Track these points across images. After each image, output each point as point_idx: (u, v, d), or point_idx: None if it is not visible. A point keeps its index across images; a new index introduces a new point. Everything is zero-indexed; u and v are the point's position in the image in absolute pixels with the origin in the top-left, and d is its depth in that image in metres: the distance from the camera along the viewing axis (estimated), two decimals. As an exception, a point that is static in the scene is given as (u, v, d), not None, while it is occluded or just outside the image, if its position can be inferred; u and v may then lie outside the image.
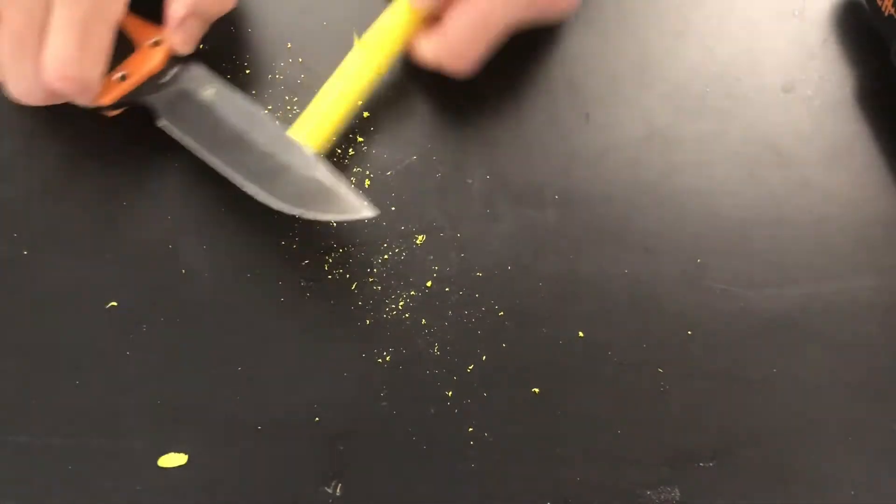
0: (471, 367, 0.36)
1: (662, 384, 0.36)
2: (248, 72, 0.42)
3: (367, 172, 0.40)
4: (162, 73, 0.37)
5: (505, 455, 0.35)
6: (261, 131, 0.37)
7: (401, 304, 0.37)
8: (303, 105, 0.38)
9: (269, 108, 0.41)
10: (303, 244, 0.38)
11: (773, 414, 0.35)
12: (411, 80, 0.41)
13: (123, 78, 0.37)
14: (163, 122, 0.37)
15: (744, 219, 0.39)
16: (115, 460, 0.35)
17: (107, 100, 0.37)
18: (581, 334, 0.37)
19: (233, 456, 0.35)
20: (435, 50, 0.37)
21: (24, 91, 0.36)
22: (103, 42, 0.35)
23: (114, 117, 0.39)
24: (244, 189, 0.36)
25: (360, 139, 0.40)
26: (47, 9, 0.34)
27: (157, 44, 0.37)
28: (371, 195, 0.39)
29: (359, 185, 0.39)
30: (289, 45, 0.42)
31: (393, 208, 0.39)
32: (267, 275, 0.37)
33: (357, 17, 0.41)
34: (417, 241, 0.38)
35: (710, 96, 0.41)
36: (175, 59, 0.38)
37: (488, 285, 0.37)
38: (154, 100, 0.37)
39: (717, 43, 0.42)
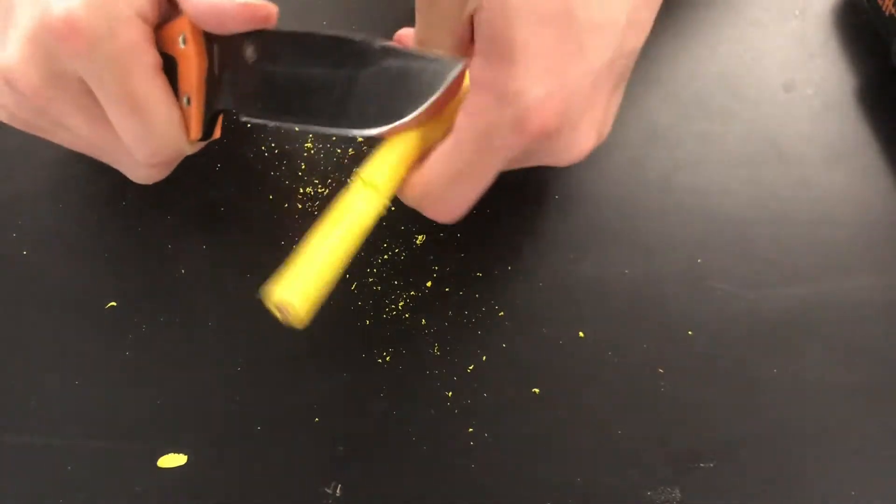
0: (471, 367, 0.36)
1: (662, 384, 0.36)
2: (248, 72, 0.42)
3: (367, 172, 0.40)
4: (210, 66, 0.32)
5: (505, 455, 0.35)
6: (311, 57, 0.30)
7: (401, 304, 0.37)
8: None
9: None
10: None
11: (773, 414, 0.35)
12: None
13: (189, 101, 0.32)
14: (247, 119, 0.32)
15: (744, 219, 0.39)
16: (115, 460, 0.35)
17: (193, 134, 0.32)
18: (581, 334, 0.37)
19: (233, 456, 0.35)
20: (411, 192, 0.31)
21: (144, 176, 0.34)
22: (159, 96, 0.31)
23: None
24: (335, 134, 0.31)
25: (361, 139, 0.40)
26: (92, 96, 0.30)
27: (185, 41, 0.31)
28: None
29: (359, 185, 0.39)
30: (289, 45, 0.42)
31: (393, 208, 0.39)
32: (267, 275, 0.37)
33: (357, 17, 0.41)
34: (417, 241, 0.38)
35: (710, 96, 0.41)
36: (210, 41, 0.32)
37: (488, 285, 0.37)
38: (225, 102, 0.32)
39: (718, 43, 0.42)
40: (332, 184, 0.40)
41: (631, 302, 0.37)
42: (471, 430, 0.35)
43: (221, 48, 0.31)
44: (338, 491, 0.34)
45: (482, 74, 0.29)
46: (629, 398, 0.35)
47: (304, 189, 0.39)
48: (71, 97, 0.30)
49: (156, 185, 0.38)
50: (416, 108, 0.29)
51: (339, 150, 0.40)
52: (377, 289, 0.37)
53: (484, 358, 0.36)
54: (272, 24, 0.31)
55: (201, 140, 0.33)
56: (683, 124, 0.41)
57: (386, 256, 0.38)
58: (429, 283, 0.38)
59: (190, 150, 0.33)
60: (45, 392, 0.36)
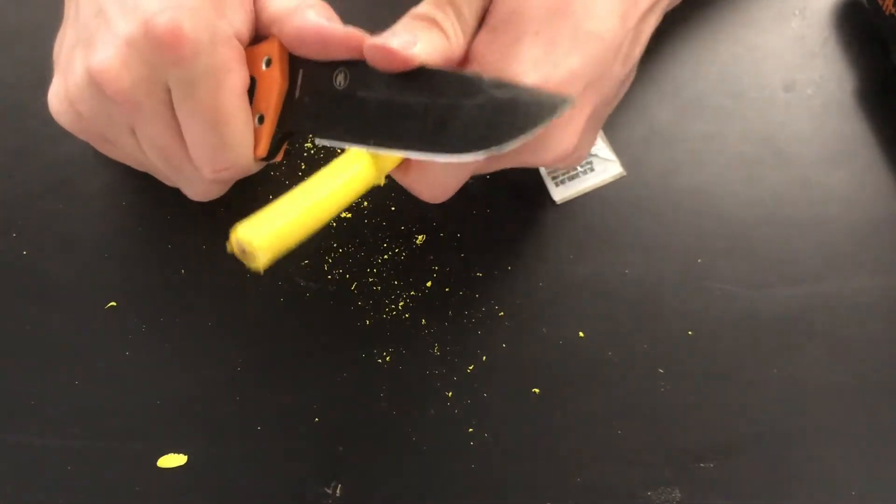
0: (471, 367, 0.36)
1: (662, 384, 0.36)
2: (247, 72, 0.42)
3: (367, 172, 0.40)
4: (291, 89, 0.32)
5: (505, 455, 0.35)
6: (407, 86, 0.30)
7: (401, 304, 0.37)
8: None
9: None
10: (303, 244, 0.38)
11: (773, 414, 0.35)
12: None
13: (261, 120, 0.32)
14: (321, 141, 0.32)
15: (744, 219, 0.39)
16: (115, 460, 0.35)
17: (260, 152, 0.33)
18: (581, 334, 0.37)
19: (233, 456, 0.35)
20: (405, 175, 0.33)
21: (201, 192, 0.34)
22: (241, 114, 0.31)
23: None
24: (421, 158, 0.30)
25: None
26: (171, 107, 0.31)
27: (269, 63, 0.32)
28: (371, 195, 0.39)
29: (359, 185, 0.39)
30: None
31: (393, 208, 0.39)
32: (267, 275, 0.37)
33: (356, 17, 0.41)
34: (417, 241, 0.38)
35: (710, 96, 0.41)
36: (295, 65, 0.32)
37: (488, 285, 0.37)
38: (301, 125, 0.32)
39: (717, 42, 0.42)
40: (332, 184, 0.40)
41: (631, 302, 0.37)
42: (471, 430, 0.35)
43: (308, 73, 0.32)
44: (338, 491, 0.34)
45: (486, 50, 0.30)
46: (629, 398, 0.35)
47: (304, 189, 0.39)
48: (155, 105, 0.31)
49: (156, 185, 0.38)
50: (520, 136, 0.29)
51: (339, 151, 0.40)
52: (377, 289, 0.37)
53: (484, 358, 0.36)
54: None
55: (265, 160, 0.33)
56: (683, 124, 0.41)
57: (386, 256, 0.38)
58: (429, 283, 0.38)
59: (255, 168, 0.33)
60: (45, 392, 0.36)
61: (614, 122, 0.41)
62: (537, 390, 0.36)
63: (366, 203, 0.39)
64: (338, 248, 0.38)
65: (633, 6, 0.31)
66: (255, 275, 0.37)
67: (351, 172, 0.31)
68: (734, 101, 0.41)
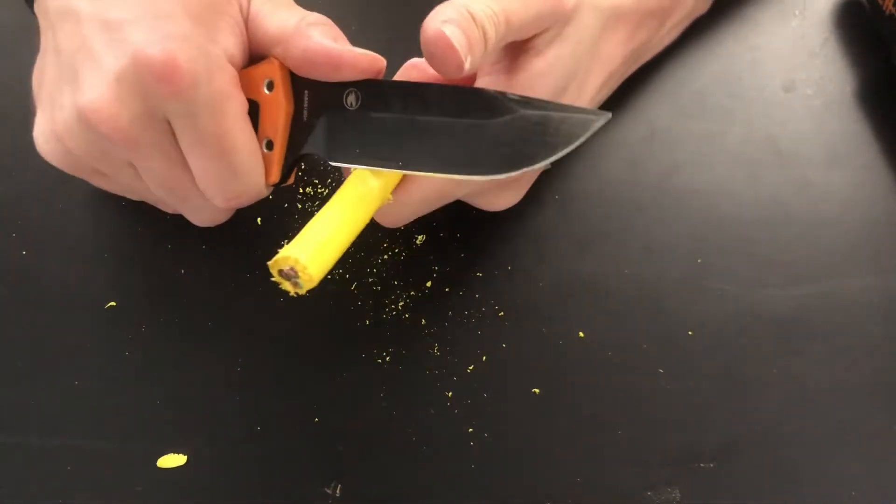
0: (471, 367, 0.36)
1: (662, 384, 0.36)
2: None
3: (367, 172, 0.40)
4: (298, 111, 0.32)
5: (505, 455, 0.35)
6: (426, 106, 0.30)
7: (401, 304, 0.37)
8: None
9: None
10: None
11: (773, 414, 0.35)
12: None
13: (270, 146, 0.32)
14: (334, 163, 0.32)
15: (744, 219, 0.39)
16: (115, 460, 0.35)
17: (272, 178, 0.32)
18: (581, 334, 0.37)
19: (233, 456, 0.35)
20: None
21: (208, 219, 0.34)
22: (245, 141, 0.30)
23: None
24: (454, 178, 0.31)
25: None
26: (173, 137, 0.30)
27: (271, 85, 0.31)
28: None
29: (359, 185, 0.39)
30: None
31: (393, 208, 0.39)
32: (267, 275, 0.37)
33: (356, 17, 0.41)
34: (417, 241, 0.38)
35: (710, 96, 0.41)
36: (299, 86, 0.32)
37: (488, 285, 0.37)
38: (313, 148, 0.32)
39: (718, 43, 0.42)
40: (332, 184, 0.40)
41: (631, 302, 0.37)
42: (471, 430, 0.35)
43: (314, 94, 0.31)
44: (338, 491, 0.34)
45: (495, 86, 0.32)
46: (629, 398, 0.35)
47: (304, 189, 0.39)
48: (155, 139, 0.30)
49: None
50: (553, 154, 0.30)
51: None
52: (377, 289, 0.37)
53: (484, 358, 0.36)
54: (381, 75, 0.31)
55: (278, 184, 0.33)
56: (683, 124, 0.41)
57: (386, 256, 0.38)
58: (429, 283, 0.38)
59: (266, 193, 0.33)
60: (45, 392, 0.36)
61: (615, 122, 0.41)
62: (537, 390, 0.36)
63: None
64: (338, 248, 0.38)
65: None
66: (255, 275, 0.37)
67: (364, 186, 0.31)
68: (734, 101, 0.41)
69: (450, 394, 0.36)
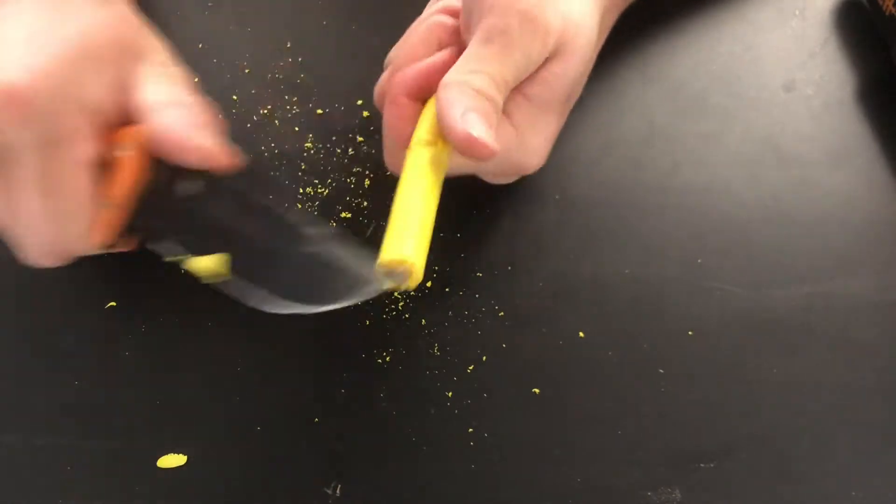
0: (471, 367, 0.36)
1: (662, 384, 0.36)
2: (247, 71, 0.42)
3: (367, 172, 0.40)
4: (155, 184, 0.31)
5: (505, 455, 0.35)
6: (255, 219, 0.32)
7: (401, 304, 0.37)
8: (302, 104, 0.38)
9: (269, 107, 0.41)
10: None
11: (773, 414, 0.35)
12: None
13: (111, 206, 0.31)
14: (151, 247, 0.32)
15: (744, 219, 0.39)
16: (115, 460, 0.35)
17: (101, 238, 0.31)
18: (581, 334, 0.37)
19: (233, 456, 0.35)
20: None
21: (33, 260, 0.32)
22: (76, 189, 0.30)
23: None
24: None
25: (360, 139, 0.40)
26: (11, 167, 0.29)
27: (130, 149, 0.31)
28: (371, 195, 0.39)
29: (359, 185, 0.39)
30: (288, 45, 0.42)
31: (393, 208, 0.39)
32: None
33: (356, 17, 0.41)
34: (417, 241, 0.38)
35: (710, 96, 0.41)
36: (157, 163, 0.31)
37: (488, 285, 0.37)
38: (144, 223, 0.32)
39: (718, 42, 0.42)
40: (332, 184, 0.40)
41: (631, 302, 0.37)
42: (471, 430, 0.35)
43: (168, 173, 0.31)
44: (338, 491, 0.34)
45: (516, 110, 0.34)
46: (629, 398, 0.36)
47: (304, 189, 0.39)
48: None
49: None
50: (332, 303, 0.32)
51: (339, 150, 0.40)
52: (377, 289, 0.37)
53: (484, 358, 0.36)
54: (223, 171, 0.32)
55: (112, 246, 0.33)
56: (683, 124, 0.41)
57: (386, 256, 0.38)
58: (429, 284, 0.38)
59: (89, 251, 0.32)
60: (45, 392, 0.36)
61: (615, 122, 0.41)
62: (537, 390, 0.36)
63: (365, 203, 0.39)
64: (338, 248, 0.38)
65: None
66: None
67: (426, 163, 0.32)
68: (734, 101, 0.41)
69: (450, 394, 0.36)
